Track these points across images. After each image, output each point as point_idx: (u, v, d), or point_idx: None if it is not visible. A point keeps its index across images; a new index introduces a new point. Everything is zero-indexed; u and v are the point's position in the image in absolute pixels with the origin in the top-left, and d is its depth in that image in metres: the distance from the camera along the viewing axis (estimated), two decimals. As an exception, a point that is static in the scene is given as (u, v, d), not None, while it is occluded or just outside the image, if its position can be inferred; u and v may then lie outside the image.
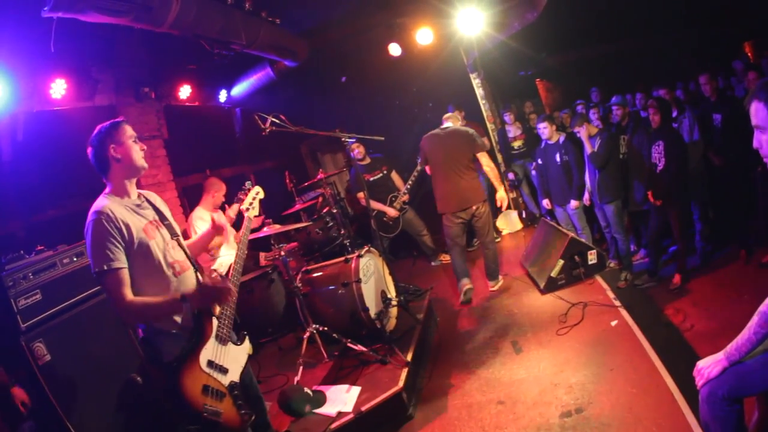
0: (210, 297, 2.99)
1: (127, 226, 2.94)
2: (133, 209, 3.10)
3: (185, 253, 3.29)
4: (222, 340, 3.02)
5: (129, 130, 3.19)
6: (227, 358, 3.00)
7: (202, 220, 6.32)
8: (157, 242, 3.08)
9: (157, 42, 5.99)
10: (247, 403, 3.11)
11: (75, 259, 4.72)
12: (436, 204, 6.83)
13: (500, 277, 7.08)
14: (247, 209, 3.84)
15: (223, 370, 2.95)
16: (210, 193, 6.58)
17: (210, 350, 2.93)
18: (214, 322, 3.04)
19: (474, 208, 6.63)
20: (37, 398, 4.20)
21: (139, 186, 6.03)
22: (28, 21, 4.32)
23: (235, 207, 6.40)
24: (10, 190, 5.42)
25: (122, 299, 2.83)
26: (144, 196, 3.31)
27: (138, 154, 3.17)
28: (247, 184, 4.18)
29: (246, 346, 3.21)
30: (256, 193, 4.00)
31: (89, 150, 3.13)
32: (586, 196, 6.82)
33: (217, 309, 3.13)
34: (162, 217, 3.27)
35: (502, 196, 6.65)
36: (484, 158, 6.68)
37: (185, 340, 2.96)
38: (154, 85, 6.98)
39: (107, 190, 3.13)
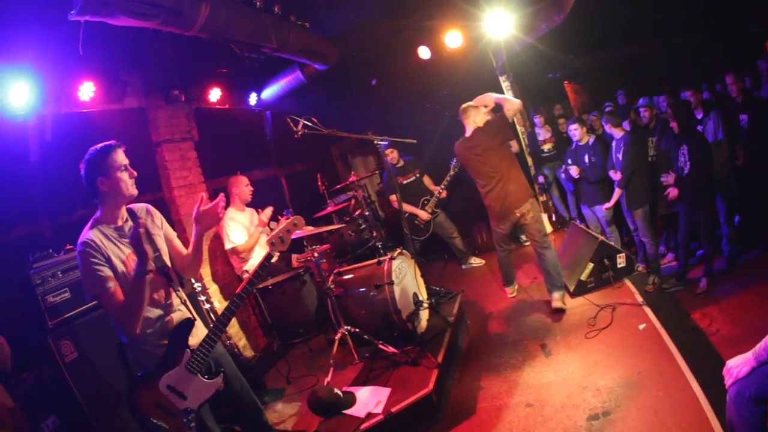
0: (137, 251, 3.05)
1: (109, 259, 3.13)
2: (116, 239, 3.25)
3: (171, 284, 3.44)
4: (192, 370, 3.19)
5: (118, 159, 3.23)
6: (190, 387, 3.18)
7: (233, 221, 6.40)
8: None
9: (186, 45, 5.99)
10: (238, 408, 3.61)
11: (84, 287, 4.82)
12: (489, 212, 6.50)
13: (563, 290, 6.37)
14: (273, 243, 3.54)
15: (182, 396, 3.14)
16: (235, 192, 6.67)
17: (173, 376, 3.15)
18: (187, 354, 3.22)
19: (518, 213, 6.22)
20: (61, 394, 4.29)
21: (169, 189, 6.12)
22: (56, 23, 4.30)
23: (268, 211, 6.47)
24: (37, 190, 5.49)
25: (115, 310, 3.08)
26: (135, 215, 3.40)
27: (126, 184, 3.25)
28: (286, 213, 4.18)
29: (216, 382, 3.29)
30: (293, 225, 3.63)
31: (81, 168, 3.24)
32: (616, 195, 6.79)
33: (193, 342, 3.32)
34: (152, 245, 3.34)
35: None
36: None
37: (157, 359, 3.21)
38: (184, 87, 7.02)
39: (96, 214, 3.30)
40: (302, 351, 6.52)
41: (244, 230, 6.44)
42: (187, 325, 3.31)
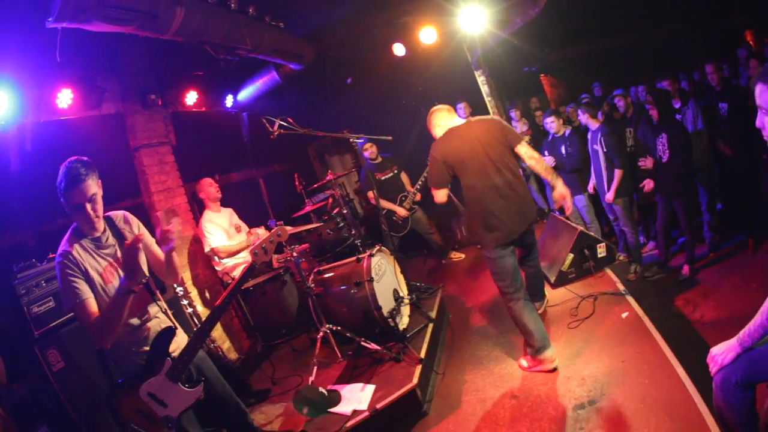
0: (129, 270, 3.03)
1: (85, 272, 3.14)
2: (93, 250, 3.25)
3: (150, 293, 3.39)
4: (173, 378, 3.17)
5: (79, 194, 3.11)
6: (171, 395, 3.16)
7: (210, 222, 6.41)
8: (115, 285, 3.24)
9: (162, 49, 5.98)
10: (222, 412, 3.63)
11: (62, 298, 4.80)
12: (480, 238, 4.83)
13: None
14: (256, 253, 3.50)
15: (162, 404, 3.13)
16: (203, 196, 6.71)
17: (154, 384, 3.14)
18: (168, 362, 3.20)
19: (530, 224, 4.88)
20: (51, 404, 4.26)
21: (148, 194, 6.09)
22: (33, 31, 4.32)
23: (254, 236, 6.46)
24: (19, 200, 5.43)
25: (89, 323, 3.05)
26: (114, 224, 3.41)
27: (86, 222, 3.21)
28: (271, 223, 4.13)
29: (197, 391, 3.26)
30: (277, 235, 3.61)
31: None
32: (591, 185, 6.83)
33: (175, 350, 3.33)
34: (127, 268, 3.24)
35: (562, 191, 4.67)
36: (523, 148, 4.67)
37: (137, 366, 3.22)
38: (160, 92, 7.00)
39: (74, 224, 3.28)
40: (286, 351, 6.50)
41: (222, 231, 6.43)
42: (168, 333, 3.28)
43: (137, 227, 3.54)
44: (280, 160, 10.52)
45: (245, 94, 8.52)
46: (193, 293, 6.65)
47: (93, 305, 3.06)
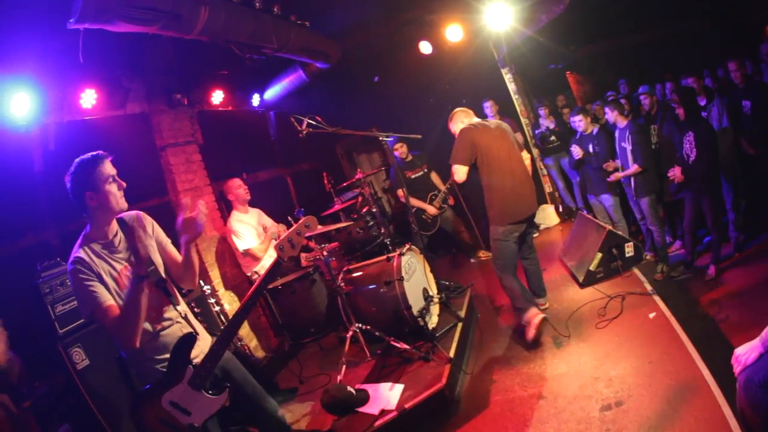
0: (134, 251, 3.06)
1: (100, 275, 3.04)
2: (107, 255, 3.15)
3: (169, 297, 3.30)
4: (196, 386, 3.06)
5: (106, 170, 3.11)
6: (194, 403, 3.05)
7: (240, 223, 6.46)
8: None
9: (187, 48, 5.99)
10: (253, 411, 3.53)
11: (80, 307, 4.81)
12: (497, 213, 5.54)
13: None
14: (281, 248, 3.21)
15: (186, 412, 3.03)
16: (231, 197, 6.73)
17: (176, 393, 3.04)
18: (189, 370, 3.09)
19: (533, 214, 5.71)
20: (74, 402, 4.28)
21: (175, 192, 6.12)
22: (55, 32, 4.31)
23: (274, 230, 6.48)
24: (43, 200, 5.49)
25: (112, 326, 2.98)
26: (127, 225, 3.30)
27: (115, 197, 3.13)
28: (298, 212, 4.04)
29: (221, 398, 3.14)
30: (305, 227, 3.29)
31: (66, 181, 3.13)
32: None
33: (198, 356, 3.23)
34: (135, 254, 3.20)
35: None
36: (522, 152, 5.82)
37: (159, 374, 3.13)
38: (186, 91, 7.03)
39: (86, 230, 3.18)
40: (314, 350, 6.53)
41: (253, 230, 6.48)
42: (189, 340, 3.18)
43: (151, 227, 3.43)
44: (308, 158, 10.54)
45: (272, 92, 8.56)
46: (221, 291, 6.71)
47: (113, 307, 2.99)
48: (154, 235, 3.42)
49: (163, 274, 3.33)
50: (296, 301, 5.87)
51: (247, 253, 6.30)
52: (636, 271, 6.41)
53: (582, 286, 6.39)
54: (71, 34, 4.22)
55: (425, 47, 8.47)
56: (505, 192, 5.46)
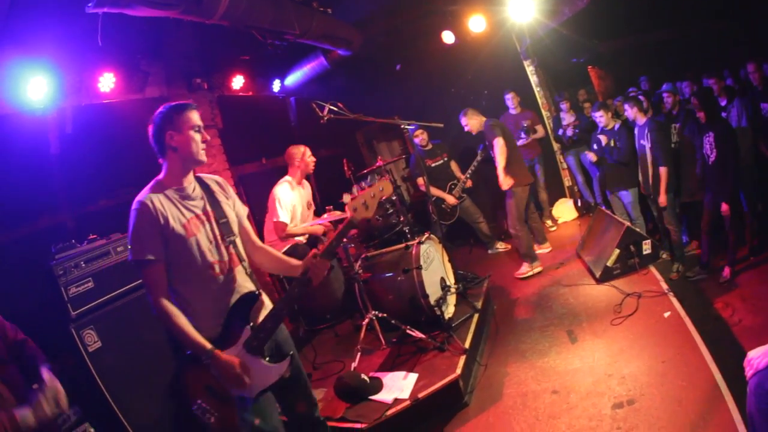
0: (225, 378, 2.77)
1: (166, 220, 2.86)
2: (178, 201, 2.98)
3: (237, 253, 3.10)
4: (252, 350, 2.85)
5: (193, 118, 3.01)
6: (248, 370, 2.79)
7: (290, 194, 6.10)
8: (199, 238, 2.96)
9: (208, 33, 6.00)
10: (292, 402, 3.27)
11: (129, 247, 4.81)
12: (519, 177, 7.22)
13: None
14: (355, 209, 3.07)
15: None
16: (300, 163, 6.30)
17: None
18: (246, 331, 2.89)
19: None
20: (85, 384, 4.28)
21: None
22: (74, 15, 4.26)
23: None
24: (59, 182, 5.53)
25: (155, 296, 2.82)
26: (205, 183, 3.18)
27: (197, 146, 3.01)
28: (370, 179, 3.86)
29: (281, 367, 2.91)
30: (380, 190, 3.19)
31: (149, 127, 3.03)
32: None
33: (259, 318, 3.02)
34: (218, 211, 3.10)
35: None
36: None
37: (210, 337, 2.85)
38: (206, 76, 7.06)
39: (160, 175, 3.05)
40: (328, 336, 6.54)
41: (298, 209, 6.12)
42: (250, 299, 2.99)
43: (232, 194, 3.29)
44: (328, 145, 10.50)
45: (293, 79, 8.57)
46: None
47: (160, 271, 2.83)
48: (233, 203, 3.27)
49: (235, 231, 3.17)
50: (313, 287, 5.84)
51: (278, 225, 5.98)
52: (652, 269, 6.37)
53: (599, 281, 6.36)
54: (90, 17, 4.19)
55: (448, 37, 8.42)
56: (523, 166, 7.59)
